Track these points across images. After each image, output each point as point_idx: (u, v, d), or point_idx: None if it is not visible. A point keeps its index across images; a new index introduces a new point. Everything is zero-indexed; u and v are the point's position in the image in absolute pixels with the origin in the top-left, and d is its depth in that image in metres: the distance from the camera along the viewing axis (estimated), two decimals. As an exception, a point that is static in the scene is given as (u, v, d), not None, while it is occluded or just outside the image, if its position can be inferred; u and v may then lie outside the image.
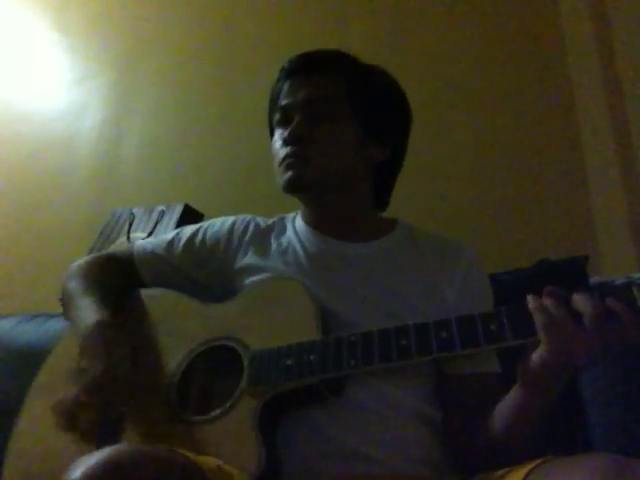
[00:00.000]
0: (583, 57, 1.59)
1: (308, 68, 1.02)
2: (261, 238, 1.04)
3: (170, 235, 1.09)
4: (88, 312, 0.93)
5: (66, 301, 1.04)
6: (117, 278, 1.06)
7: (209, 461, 0.68)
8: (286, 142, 0.97)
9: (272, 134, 1.05)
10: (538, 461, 0.63)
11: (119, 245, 1.73)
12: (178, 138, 2.04)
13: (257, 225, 1.07)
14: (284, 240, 1.03)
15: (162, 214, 1.75)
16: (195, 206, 1.78)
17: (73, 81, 2.34)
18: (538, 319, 0.69)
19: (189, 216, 1.76)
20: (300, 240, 1.02)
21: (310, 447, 0.80)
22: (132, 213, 1.80)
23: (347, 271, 0.95)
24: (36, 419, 0.95)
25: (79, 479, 0.58)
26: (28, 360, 1.46)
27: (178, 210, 1.73)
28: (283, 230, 1.06)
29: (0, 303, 1.87)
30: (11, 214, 2.14)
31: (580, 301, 0.67)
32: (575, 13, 1.64)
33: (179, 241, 1.07)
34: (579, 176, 1.49)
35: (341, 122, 0.98)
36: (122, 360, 0.84)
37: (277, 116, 1.02)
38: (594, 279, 1.18)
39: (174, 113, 2.10)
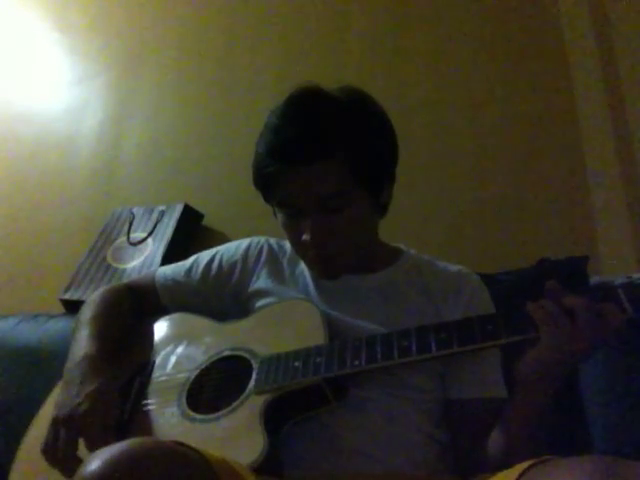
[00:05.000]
0: (583, 57, 1.59)
1: (304, 159, 0.88)
2: (274, 262, 1.08)
3: (189, 261, 1.14)
4: (79, 346, 0.98)
5: (75, 325, 1.08)
6: (134, 305, 1.12)
7: (214, 454, 0.69)
8: (308, 246, 0.92)
9: (266, 199, 0.99)
10: (531, 462, 0.63)
11: (119, 245, 1.73)
12: (178, 138, 2.04)
13: (270, 247, 1.11)
14: (297, 270, 1.06)
15: (162, 214, 1.75)
16: (195, 206, 1.78)
17: (73, 81, 2.34)
18: (537, 315, 0.74)
19: (189, 216, 1.76)
20: (312, 272, 1.03)
21: (311, 444, 0.82)
22: (132, 213, 1.80)
23: (353, 303, 0.97)
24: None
25: (96, 472, 0.58)
26: (28, 360, 1.46)
27: (178, 210, 1.74)
28: (296, 257, 1.05)
29: (0, 303, 1.87)
30: (11, 214, 2.14)
31: (571, 300, 0.73)
32: (575, 13, 1.64)
33: (197, 267, 1.12)
34: (579, 176, 1.49)
35: (355, 204, 0.92)
36: (93, 393, 0.86)
37: (277, 209, 0.97)
38: (594, 279, 1.18)
39: (174, 113, 2.10)
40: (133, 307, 1.12)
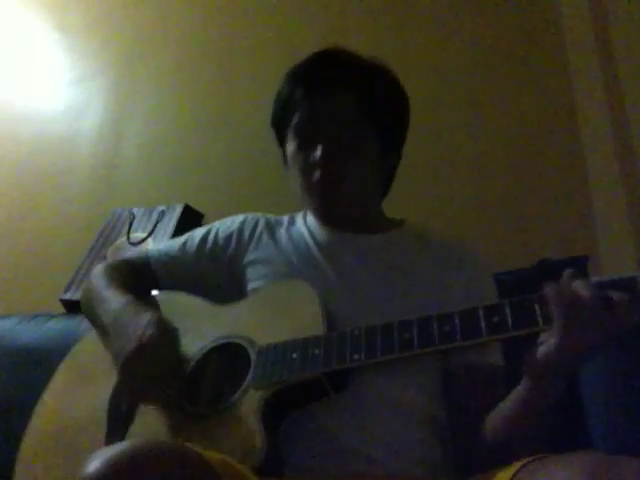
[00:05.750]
0: (583, 57, 1.59)
1: (327, 86, 0.98)
2: (271, 231, 1.07)
3: (183, 237, 1.13)
4: (114, 300, 0.97)
5: (89, 299, 1.06)
6: (134, 280, 1.09)
7: (214, 455, 0.69)
8: (317, 164, 0.96)
9: (281, 140, 1.05)
10: (528, 459, 0.63)
11: (119, 245, 1.73)
12: (178, 138, 2.04)
13: (267, 220, 1.10)
14: (294, 232, 1.06)
15: (162, 214, 1.75)
16: (195, 206, 1.78)
17: (73, 81, 2.34)
18: (556, 304, 0.69)
19: (189, 216, 1.76)
20: (311, 232, 1.04)
21: (311, 445, 0.81)
22: (132, 213, 1.80)
23: (354, 261, 0.97)
24: (51, 419, 0.97)
25: (95, 473, 0.58)
26: (28, 360, 1.46)
27: (178, 210, 1.74)
28: (293, 224, 1.09)
29: (0, 303, 1.87)
30: (11, 214, 2.14)
31: (579, 286, 0.69)
32: (575, 13, 1.64)
33: (192, 242, 1.11)
34: (579, 176, 1.49)
35: (366, 142, 0.98)
36: (153, 320, 0.87)
37: (292, 134, 1.01)
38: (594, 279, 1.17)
39: (174, 113, 2.10)
40: (134, 282, 1.08)
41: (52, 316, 1.59)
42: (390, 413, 0.83)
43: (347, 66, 1.00)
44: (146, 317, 0.88)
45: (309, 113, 0.98)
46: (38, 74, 2.42)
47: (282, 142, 1.05)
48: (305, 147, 0.98)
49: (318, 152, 0.95)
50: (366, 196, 1.02)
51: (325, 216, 1.03)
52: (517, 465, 0.63)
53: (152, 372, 0.85)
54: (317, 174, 0.96)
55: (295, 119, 0.99)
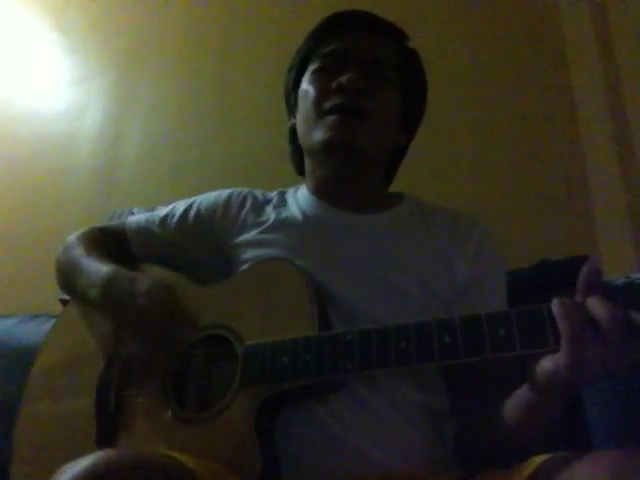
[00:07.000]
0: (583, 57, 1.59)
1: (372, 27, 0.99)
2: (259, 211, 1.01)
3: (164, 211, 1.08)
4: (98, 267, 0.94)
5: (67, 270, 1.03)
6: (113, 250, 1.05)
7: (201, 466, 0.67)
8: (342, 90, 0.90)
9: (296, 81, 1.04)
10: (546, 457, 0.61)
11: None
12: (178, 138, 2.04)
13: (255, 198, 1.04)
14: (284, 212, 0.99)
15: (162, 214, 1.75)
16: (195, 206, 1.78)
17: (73, 81, 2.34)
18: (563, 328, 0.60)
19: (189, 216, 1.76)
20: (302, 210, 0.99)
21: (310, 446, 0.78)
22: (132, 213, 1.80)
23: (351, 242, 0.92)
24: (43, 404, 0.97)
25: None
26: (28, 360, 1.46)
27: (178, 210, 1.73)
28: (283, 202, 1.03)
29: (0, 303, 1.87)
30: (11, 214, 2.14)
31: (596, 307, 0.59)
32: (575, 13, 1.64)
33: (173, 217, 1.05)
34: (579, 176, 1.49)
35: (393, 91, 0.97)
36: (157, 285, 0.87)
37: (320, 62, 0.98)
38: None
39: (174, 113, 2.10)
40: (113, 252, 1.04)
41: (52, 316, 1.58)
42: (390, 411, 0.80)
43: (391, 24, 1.02)
44: (145, 278, 0.88)
45: (347, 43, 0.96)
46: (38, 74, 2.42)
47: (296, 84, 1.02)
48: (332, 71, 0.94)
49: (345, 77, 0.90)
50: (375, 157, 0.96)
51: (328, 153, 0.94)
52: (534, 464, 0.62)
53: (159, 329, 0.85)
54: (336, 99, 0.91)
55: (329, 48, 0.97)
